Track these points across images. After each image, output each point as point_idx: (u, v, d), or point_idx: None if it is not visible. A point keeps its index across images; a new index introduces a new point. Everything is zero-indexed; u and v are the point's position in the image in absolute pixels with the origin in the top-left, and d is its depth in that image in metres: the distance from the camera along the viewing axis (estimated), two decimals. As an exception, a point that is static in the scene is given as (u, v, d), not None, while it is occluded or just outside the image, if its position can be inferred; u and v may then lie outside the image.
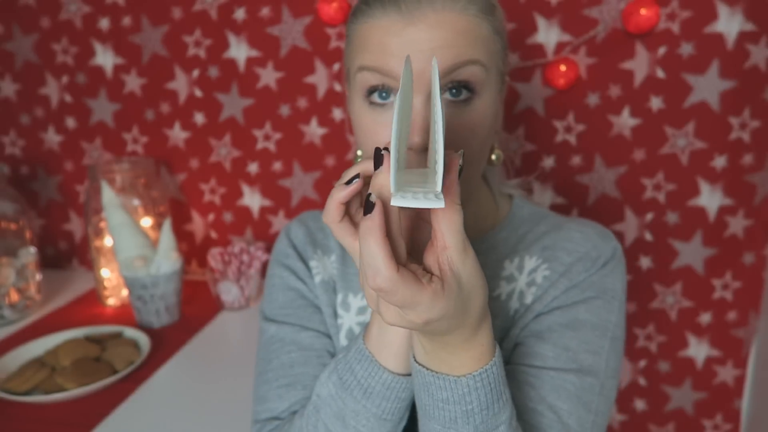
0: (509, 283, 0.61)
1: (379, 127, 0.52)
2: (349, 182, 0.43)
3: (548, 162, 1.03)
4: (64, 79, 1.19)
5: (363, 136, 0.54)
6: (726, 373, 1.06)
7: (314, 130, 1.11)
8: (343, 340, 0.63)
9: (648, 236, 1.03)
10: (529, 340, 0.57)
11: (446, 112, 0.51)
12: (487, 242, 0.63)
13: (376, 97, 0.52)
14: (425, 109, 0.50)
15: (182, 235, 1.25)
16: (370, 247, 0.36)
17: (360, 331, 0.52)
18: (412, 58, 0.49)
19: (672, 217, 1.01)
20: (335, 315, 0.65)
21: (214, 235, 1.24)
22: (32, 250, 1.11)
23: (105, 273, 1.13)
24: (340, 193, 0.44)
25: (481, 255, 0.61)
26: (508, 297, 0.60)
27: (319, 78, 1.07)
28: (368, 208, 0.37)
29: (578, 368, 0.55)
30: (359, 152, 0.61)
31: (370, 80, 0.52)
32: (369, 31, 0.52)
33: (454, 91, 0.51)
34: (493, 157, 0.60)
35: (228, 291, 1.09)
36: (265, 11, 1.06)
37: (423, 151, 0.50)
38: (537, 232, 0.63)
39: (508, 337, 0.59)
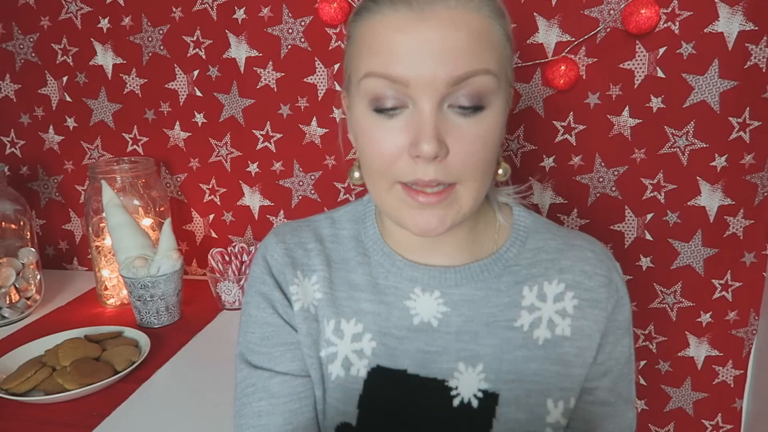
0: (531, 312, 0.59)
1: (385, 134, 0.50)
2: None
3: (548, 162, 1.03)
4: (64, 79, 1.19)
5: (365, 144, 0.52)
6: (726, 373, 1.06)
7: (314, 130, 1.11)
8: (338, 370, 0.59)
9: (648, 236, 1.03)
10: (600, 393, 0.61)
11: (454, 123, 0.49)
12: (498, 263, 0.60)
13: (383, 106, 0.49)
14: (434, 115, 0.48)
15: (182, 235, 1.25)
16: None
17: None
18: (421, 62, 0.46)
19: (672, 217, 1.01)
20: (316, 344, 0.60)
21: (214, 235, 1.24)
22: (32, 250, 1.11)
23: (105, 273, 1.13)
24: None
25: (494, 278, 0.59)
26: (532, 326, 0.59)
27: (319, 78, 1.07)
28: None
29: (631, 405, 0.63)
30: (356, 166, 0.58)
31: (376, 88, 0.49)
32: (375, 29, 0.49)
33: (463, 101, 0.48)
34: (500, 171, 0.57)
35: (228, 291, 1.09)
36: (265, 11, 1.06)
37: (433, 159, 0.48)
38: (548, 249, 0.61)
39: (555, 375, 0.59)
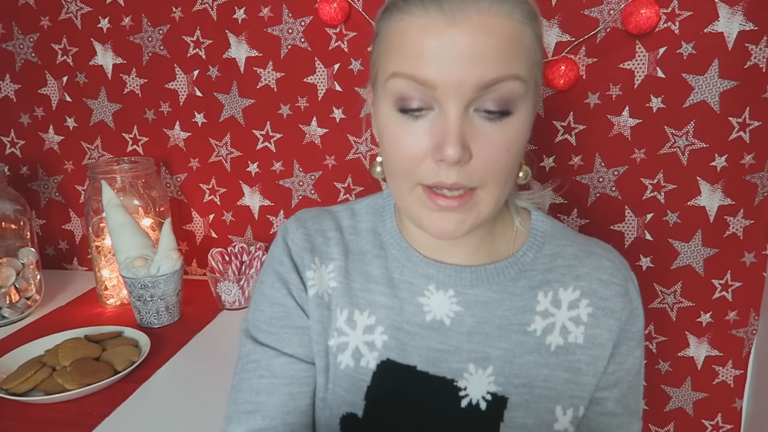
0: (545, 318, 0.59)
1: (409, 136, 0.50)
2: None
3: (548, 162, 1.03)
4: (64, 79, 1.19)
5: (389, 146, 0.52)
6: (726, 373, 1.06)
7: (314, 130, 1.11)
8: (348, 360, 0.60)
9: (648, 236, 1.03)
10: (607, 404, 0.60)
11: (479, 127, 0.49)
12: (515, 267, 0.60)
13: (408, 107, 0.49)
14: (460, 119, 0.47)
15: (182, 235, 1.25)
16: None
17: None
18: (449, 65, 0.46)
19: (672, 217, 1.01)
20: (326, 332, 0.61)
21: (214, 235, 1.24)
22: (32, 250, 1.11)
23: (105, 273, 1.13)
24: None
25: (509, 281, 0.59)
26: (545, 332, 0.58)
27: (319, 78, 1.07)
28: None
29: (638, 417, 0.63)
30: (378, 161, 0.59)
31: (403, 89, 0.49)
32: (405, 31, 0.48)
33: (489, 106, 0.48)
34: (521, 174, 0.57)
35: (228, 291, 1.09)
36: (265, 11, 1.06)
37: (456, 163, 0.48)
38: (565, 255, 0.61)
39: (565, 382, 0.59)
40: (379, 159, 0.59)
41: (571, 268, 0.60)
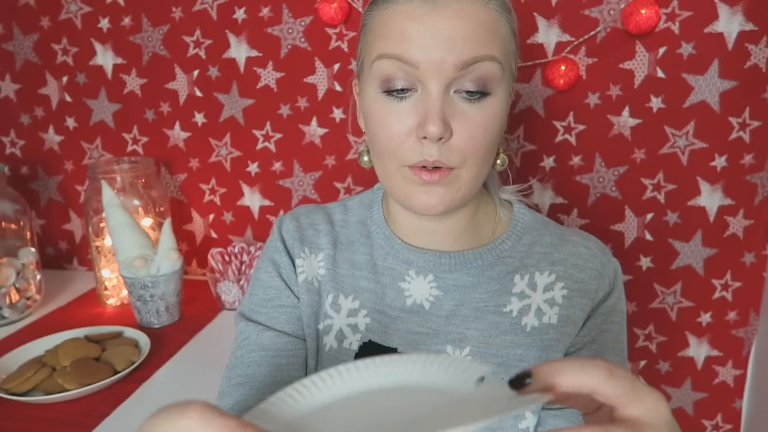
0: (521, 299, 0.60)
1: (394, 116, 0.53)
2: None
3: (548, 162, 1.03)
4: (64, 79, 1.19)
5: (375, 127, 0.55)
6: (726, 373, 1.06)
7: (314, 130, 1.11)
8: (332, 342, 0.62)
9: (648, 236, 1.03)
10: None
11: (459, 108, 0.52)
12: (493, 253, 0.62)
13: (393, 87, 0.52)
14: (442, 98, 0.51)
15: (182, 235, 1.25)
16: None
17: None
18: (431, 47, 0.50)
19: (672, 217, 1.01)
20: (316, 316, 0.64)
21: (214, 235, 1.24)
22: (32, 250, 1.11)
23: (105, 273, 1.13)
24: None
25: (488, 267, 0.62)
26: (521, 313, 0.60)
27: (319, 78, 1.07)
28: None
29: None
30: (365, 156, 0.62)
31: (388, 69, 0.52)
32: (390, 17, 0.52)
33: (468, 86, 0.52)
34: (498, 161, 0.60)
35: (228, 291, 1.09)
36: (265, 11, 1.06)
37: (438, 140, 0.51)
38: (543, 243, 0.63)
39: (538, 360, 0.59)
40: (365, 149, 0.62)
41: (547, 254, 0.62)
